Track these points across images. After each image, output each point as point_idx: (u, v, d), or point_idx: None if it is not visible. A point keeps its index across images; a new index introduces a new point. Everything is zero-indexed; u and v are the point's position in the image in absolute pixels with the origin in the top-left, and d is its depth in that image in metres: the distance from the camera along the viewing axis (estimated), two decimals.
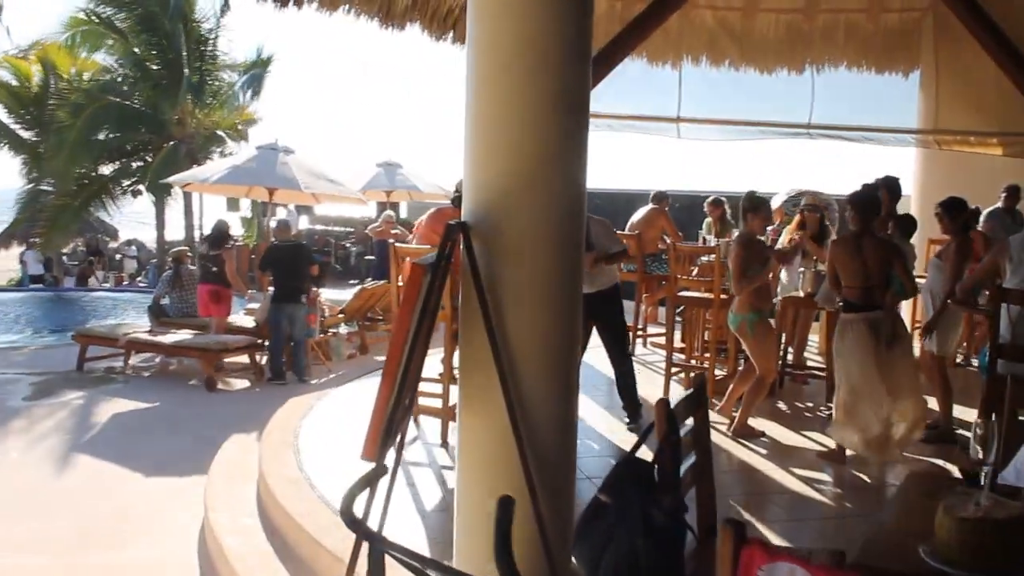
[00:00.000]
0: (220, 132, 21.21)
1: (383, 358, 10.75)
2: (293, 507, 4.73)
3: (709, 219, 10.71)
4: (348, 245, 22.60)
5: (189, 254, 11.86)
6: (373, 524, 2.81)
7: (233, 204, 21.91)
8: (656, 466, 2.68)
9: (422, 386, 6.74)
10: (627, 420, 6.62)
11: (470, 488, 3.51)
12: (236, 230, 26.65)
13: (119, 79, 21.20)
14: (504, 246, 3.34)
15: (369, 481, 2.45)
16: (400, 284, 6.10)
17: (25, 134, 22.24)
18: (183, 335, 9.90)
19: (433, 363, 7.47)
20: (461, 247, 3.35)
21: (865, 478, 5.62)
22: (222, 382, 9.54)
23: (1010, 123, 10.11)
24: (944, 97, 10.63)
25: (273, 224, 22.17)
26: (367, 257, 21.54)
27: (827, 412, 7.13)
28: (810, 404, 7.55)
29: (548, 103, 3.35)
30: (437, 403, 6.31)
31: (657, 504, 2.57)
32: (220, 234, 10.82)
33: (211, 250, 10.66)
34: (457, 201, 6.34)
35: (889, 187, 7.18)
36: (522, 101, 3.32)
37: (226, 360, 9.79)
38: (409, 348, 3.19)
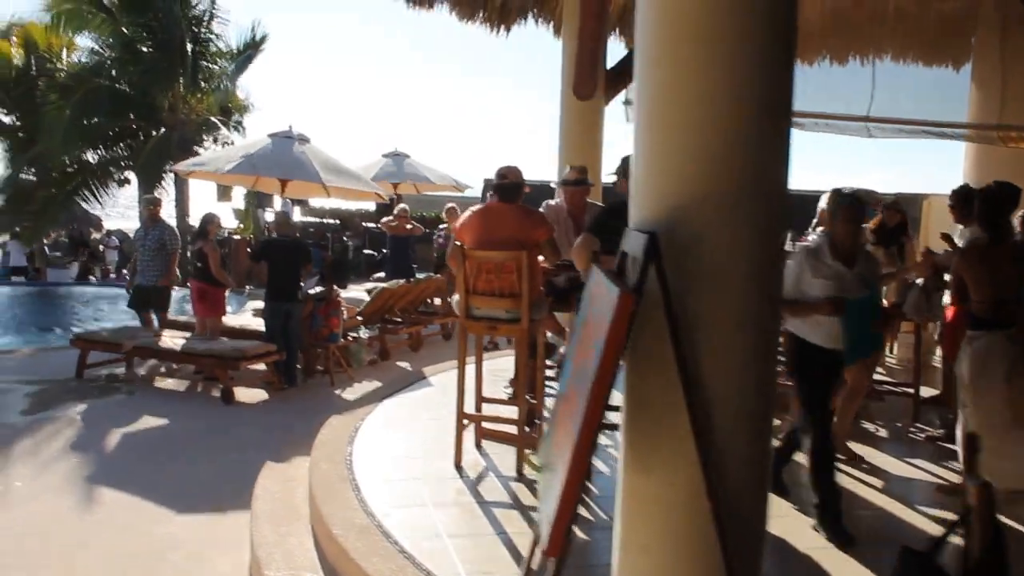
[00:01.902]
0: (214, 119, 20.23)
1: (406, 364, 10.11)
2: (373, 566, 3.95)
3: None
4: (345, 238, 21.74)
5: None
6: None
7: (223, 194, 21.04)
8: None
9: (484, 407, 6.04)
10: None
11: (640, 550, 2.81)
12: (228, 222, 25.79)
13: (108, 62, 20.07)
14: (699, 265, 2.66)
15: None
16: (470, 290, 5.29)
17: (6, 118, 21.21)
18: (193, 341, 9.05)
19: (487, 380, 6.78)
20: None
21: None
22: (239, 393, 8.71)
23: None
24: (1011, 92, 9.96)
25: (270, 216, 21.41)
26: (365, 251, 20.73)
27: (923, 435, 6.51)
28: (898, 424, 6.87)
29: (748, 103, 2.67)
30: (508, 428, 5.55)
31: None
32: (202, 226, 9.99)
33: (195, 244, 9.88)
34: (504, 190, 5.55)
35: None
36: (720, 101, 2.65)
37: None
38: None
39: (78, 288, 19.75)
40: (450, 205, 12.75)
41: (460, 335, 5.44)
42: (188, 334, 9.58)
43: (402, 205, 13.12)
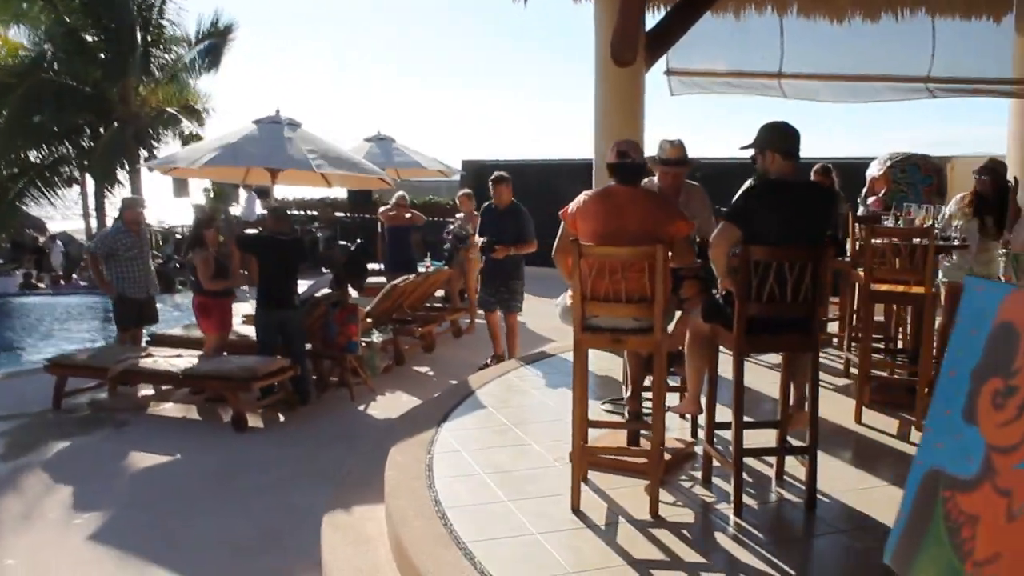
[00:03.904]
0: (171, 110, 18.79)
1: (425, 369, 8.96)
2: None
3: None
4: (314, 229, 20.44)
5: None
6: None
7: (180, 189, 19.69)
8: None
9: (594, 434, 5.01)
10: None
11: None
12: (187, 218, 24.27)
13: (48, 53, 18.48)
14: None
15: None
16: (587, 295, 4.25)
17: None
18: (189, 358, 7.86)
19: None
20: None
21: None
22: (252, 416, 7.55)
23: None
24: None
25: (235, 211, 20.03)
26: (341, 243, 19.52)
27: None
28: None
29: None
30: (637, 459, 4.54)
31: None
32: (196, 232, 8.68)
33: (188, 254, 8.68)
34: (625, 171, 4.50)
35: None
36: None
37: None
38: None
39: (28, 299, 18.22)
40: (464, 191, 11.71)
41: (575, 351, 4.39)
42: (179, 351, 8.35)
43: (400, 193, 11.99)
